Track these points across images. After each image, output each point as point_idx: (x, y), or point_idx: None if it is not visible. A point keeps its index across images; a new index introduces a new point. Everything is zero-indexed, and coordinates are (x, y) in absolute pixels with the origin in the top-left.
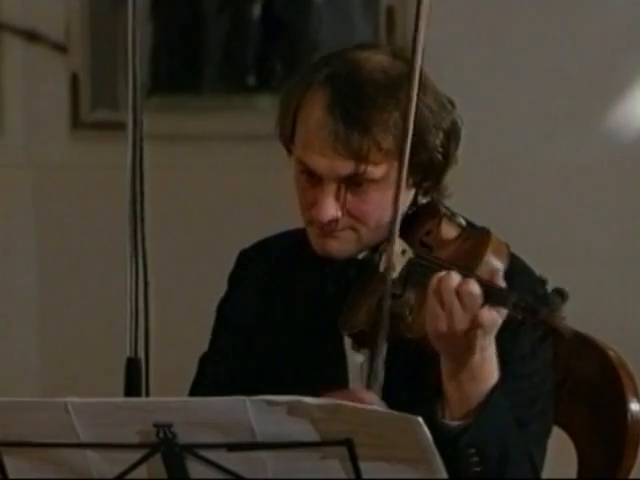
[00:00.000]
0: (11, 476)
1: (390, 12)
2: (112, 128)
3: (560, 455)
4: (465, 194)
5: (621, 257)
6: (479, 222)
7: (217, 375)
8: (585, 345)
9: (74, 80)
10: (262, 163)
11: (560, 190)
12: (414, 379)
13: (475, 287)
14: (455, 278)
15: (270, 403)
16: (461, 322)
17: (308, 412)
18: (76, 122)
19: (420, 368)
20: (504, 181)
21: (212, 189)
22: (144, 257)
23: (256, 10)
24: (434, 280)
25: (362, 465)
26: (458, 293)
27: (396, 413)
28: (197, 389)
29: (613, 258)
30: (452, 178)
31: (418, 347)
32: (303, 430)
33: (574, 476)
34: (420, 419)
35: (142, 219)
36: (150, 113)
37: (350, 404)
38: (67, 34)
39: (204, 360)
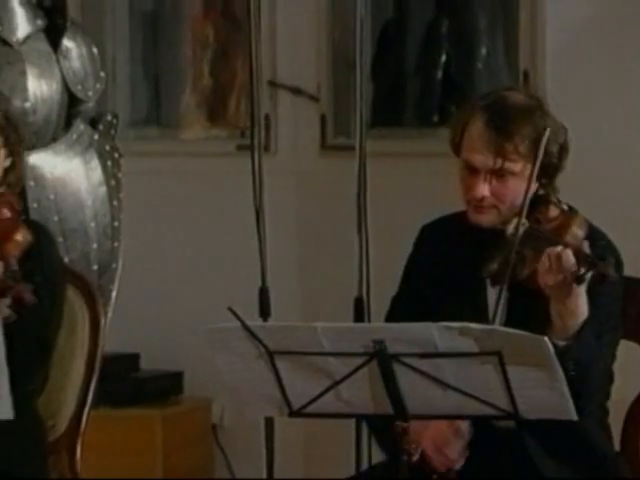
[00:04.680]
0: (282, 373)
1: (526, 74)
2: (346, 149)
3: (634, 364)
4: (576, 191)
5: None
6: (585, 209)
7: (402, 311)
8: None
9: (322, 119)
10: (442, 172)
11: None
12: (530, 308)
13: (570, 256)
14: (557, 251)
15: (447, 327)
16: (563, 275)
17: (472, 333)
18: (324, 145)
19: (532, 301)
20: (607, 180)
21: (411, 190)
22: (366, 233)
23: (439, 73)
24: (547, 253)
25: (508, 368)
26: (559, 258)
27: (531, 335)
28: (389, 320)
29: None
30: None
31: (529, 284)
32: (469, 345)
33: None
34: (546, 338)
35: (365, 210)
36: (371, 140)
37: (501, 328)
38: (318, 89)
39: (394, 300)
